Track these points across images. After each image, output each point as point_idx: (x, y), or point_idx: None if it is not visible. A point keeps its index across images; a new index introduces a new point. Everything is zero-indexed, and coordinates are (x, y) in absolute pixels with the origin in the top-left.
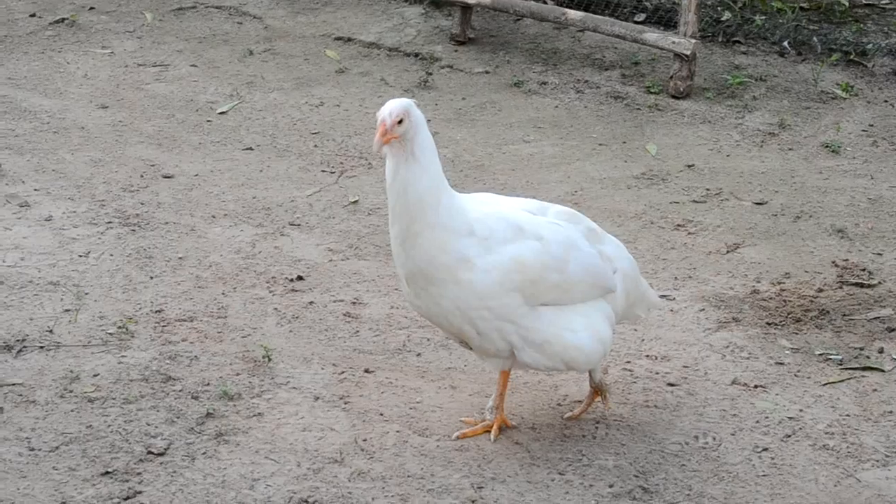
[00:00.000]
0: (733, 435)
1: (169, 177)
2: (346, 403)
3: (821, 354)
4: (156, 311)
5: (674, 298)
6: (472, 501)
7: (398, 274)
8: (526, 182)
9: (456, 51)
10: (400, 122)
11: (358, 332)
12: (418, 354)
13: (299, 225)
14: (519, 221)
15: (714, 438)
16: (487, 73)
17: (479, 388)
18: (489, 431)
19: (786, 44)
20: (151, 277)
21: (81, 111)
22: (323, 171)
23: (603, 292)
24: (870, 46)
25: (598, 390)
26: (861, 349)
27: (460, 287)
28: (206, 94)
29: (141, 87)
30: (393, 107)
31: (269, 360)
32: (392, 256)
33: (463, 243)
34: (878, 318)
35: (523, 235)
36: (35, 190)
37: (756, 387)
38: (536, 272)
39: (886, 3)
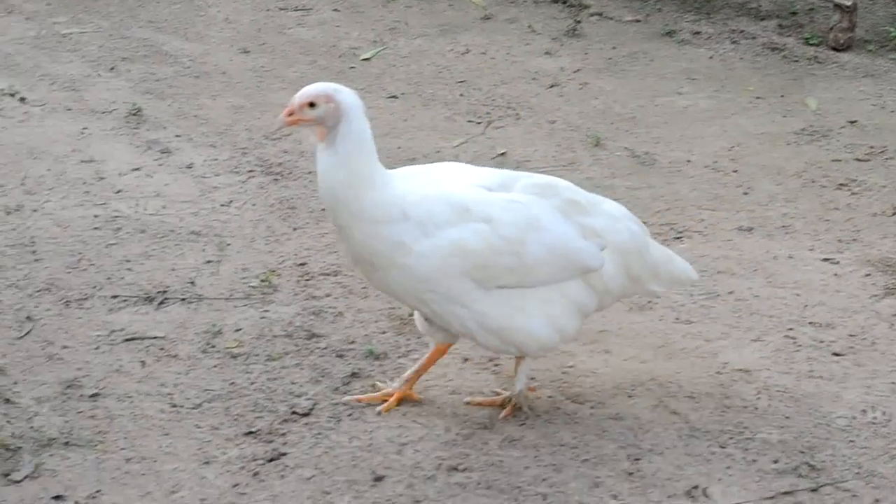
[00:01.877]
0: None
1: None
2: (495, 366)
3: None
4: (299, 265)
5: (837, 262)
6: (629, 474)
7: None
8: (679, 136)
9: None
10: (312, 105)
11: None
12: None
13: None
14: (465, 202)
15: (884, 413)
16: (638, 21)
17: (634, 353)
18: (385, 401)
19: None
20: (294, 229)
21: (223, 55)
22: (469, 120)
23: (579, 272)
24: None
25: (508, 400)
26: None
27: (401, 271)
28: (349, 39)
29: (283, 32)
30: (308, 89)
31: None
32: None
33: (396, 229)
34: None
35: (469, 217)
36: (176, 136)
37: None
38: (484, 257)
39: None
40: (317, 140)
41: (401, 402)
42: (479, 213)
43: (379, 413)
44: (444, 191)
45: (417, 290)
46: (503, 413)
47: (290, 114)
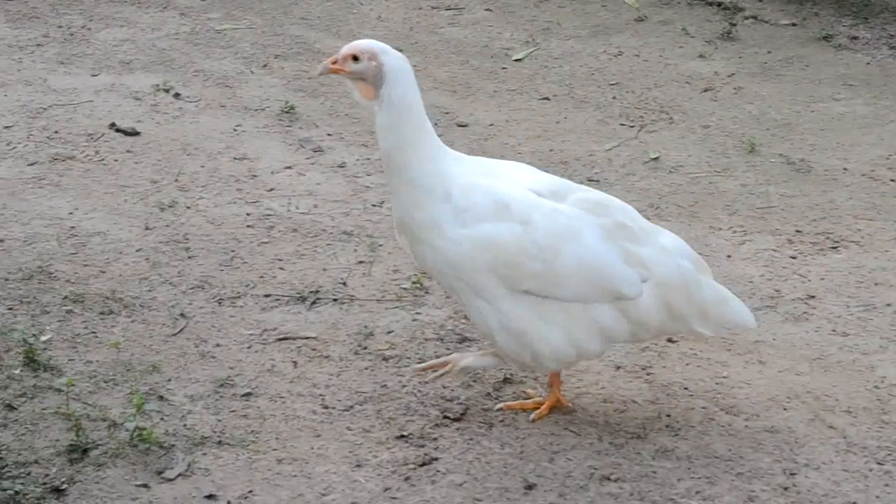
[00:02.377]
0: None
1: (463, 125)
2: (648, 375)
3: None
4: None
5: None
6: (784, 489)
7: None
8: (836, 143)
9: (761, 0)
10: (355, 59)
11: None
12: None
13: (598, 181)
14: (508, 200)
15: None
16: (794, 25)
17: (789, 365)
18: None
19: None
20: None
21: None
22: (622, 124)
23: (609, 296)
24: None
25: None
26: None
27: (435, 252)
28: (501, 39)
29: (435, 31)
30: (356, 42)
31: None
32: None
33: (437, 207)
34: None
35: (507, 216)
36: (328, 135)
37: None
38: (512, 257)
39: None
40: (363, 99)
41: (552, 409)
42: (519, 214)
43: (532, 421)
44: (491, 185)
45: (447, 275)
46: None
47: (335, 62)
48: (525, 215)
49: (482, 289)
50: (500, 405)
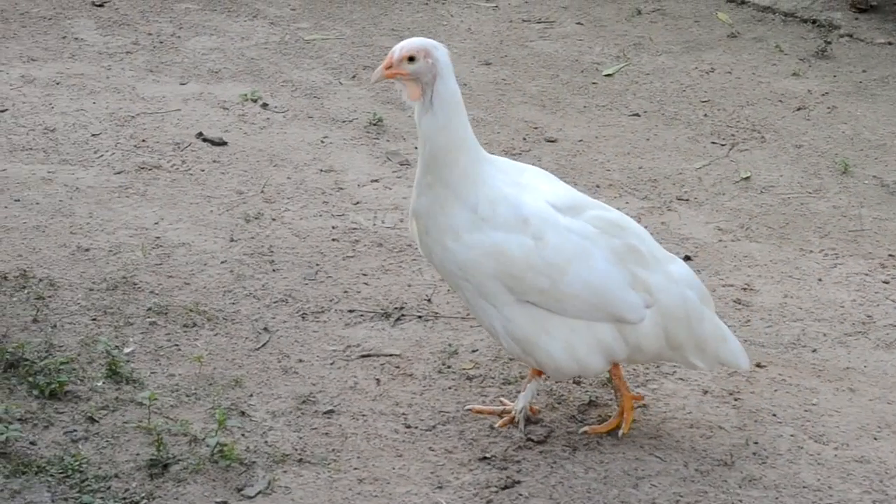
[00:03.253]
0: None
1: (552, 141)
2: (735, 400)
3: None
4: None
5: None
6: None
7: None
8: None
9: (857, 18)
10: (411, 59)
11: (749, 321)
12: (814, 350)
13: (687, 200)
14: (528, 214)
15: None
16: (890, 44)
17: (881, 393)
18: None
19: None
20: None
21: (464, 67)
22: (713, 142)
23: (610, 318)
24: None
25: (513, 416)
26: None
27: (445, 252)
28: (592, 54)
29: (525, 44)
30: (408, 42)
31: None
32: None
33: (461, 215)
34: None
35: (523, 229)
36: (415, 148)
37: None
38: (518, 269)
39: None
40: (411, 99)
41: (632, 412)
42: (534, 229)
43: (621, 436)
44: (517, 197)
45: (455, 274)
46: (499, 422)
47: (389, 66)
48: (539, 231)
49: (487, 293)
50: (585, 429)
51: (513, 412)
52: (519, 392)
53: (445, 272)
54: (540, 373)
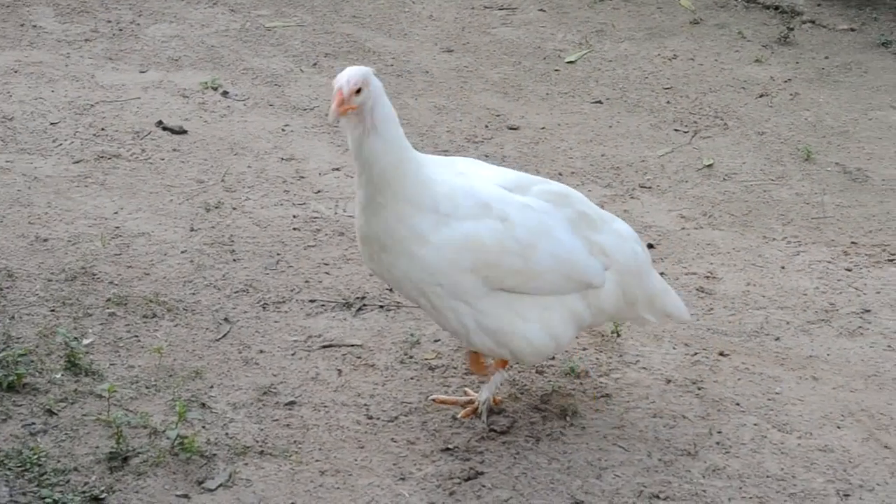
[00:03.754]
0: None
1: (514, 128)
2: (699, 389)
3: None
4: None
5: None
6: None
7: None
8: (894, 152)
9: (819, 4)
10: (358, 91)
11: (712, 309)
12: (777, 339)
13: (650, 188)
14: (487, 198)
15: None
16: (853, 30)
17: (844, 382)
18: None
19: None
20: None
21: (426, 54)
22: (676, 129)
23: (579, 286)
24: None
25: (476, 407)
26: None
27: (412, 261)
28: (554, 41)
29: (487, 31)
30: (351, 74)
31: (618, 335)
32: (356, 214)
33: (424, 219)
34: None
35: (487, 214)
36: None
37: None
38: (494, 255)
39: None
40: (352, 126)
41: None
42: (498, 212)
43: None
44: (471, 185)
45: (423, 281)
46: (461, 413)
47: (341, 103)
48: (503, 212)
49: (462, 291)
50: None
51: (476, 403)
52: (482, 383)
53: (409, 284)
54: (504, 363)
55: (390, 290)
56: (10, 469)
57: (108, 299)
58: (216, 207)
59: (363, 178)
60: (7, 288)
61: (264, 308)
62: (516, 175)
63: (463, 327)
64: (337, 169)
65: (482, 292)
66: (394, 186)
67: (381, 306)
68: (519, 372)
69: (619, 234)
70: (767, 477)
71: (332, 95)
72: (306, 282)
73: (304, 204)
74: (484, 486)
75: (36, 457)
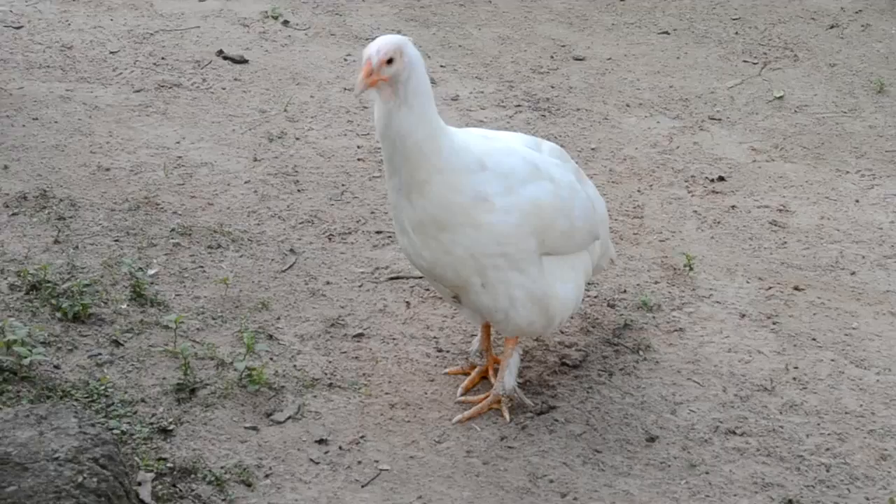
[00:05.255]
0: None
1: (580, 59)
2: (774, 324)
3: None
4: None
5: None
6: None
7: (398, 227)
8: None
9: None
10: (390, 61)
11: (785, 243)
12: (853, 273)
13: (720, 119)
14: (533, 159)
15: None
16: None
17: None
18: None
19: None
20: None
21: None
22: (744, 61)
23: (592, 240)
24: None
25: (500, 399)
26: None
27: (479, 231)
28: None
29: None
30: (382, 44)
31: (691, 269)
32: (391, 209)
33: (478, 179)
34: None
35: (539, 175)
36: (441, 66)
37: None
38: (550, 216)
39: None
40: (383, 100)
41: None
42: (546, 172)
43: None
44: (508, 145)
45: (487, 253)
46: (477, 410)
47: (370, 73)
48: (549, 173)
49: (522, 258)
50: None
51: (500, 395)
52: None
53: (470, 262)
54: (516, 341)
55: (420, 277)
56: (77, 400)
57: (172, 229)
58: (279, 137)
59: (396, 158)
60: (70, 217)
61: (330, 239)
62: (526, 136)
63: (510, 301)
64: None
65: (535, 258)
66: (432, 160)
67: None
68: (591, 305)
69: (593, 187)
70: (846, 413)
71: (360, 65)
72: (372, 213)
73: (368, 135)
74: (557, 421)
75: (103, 388)
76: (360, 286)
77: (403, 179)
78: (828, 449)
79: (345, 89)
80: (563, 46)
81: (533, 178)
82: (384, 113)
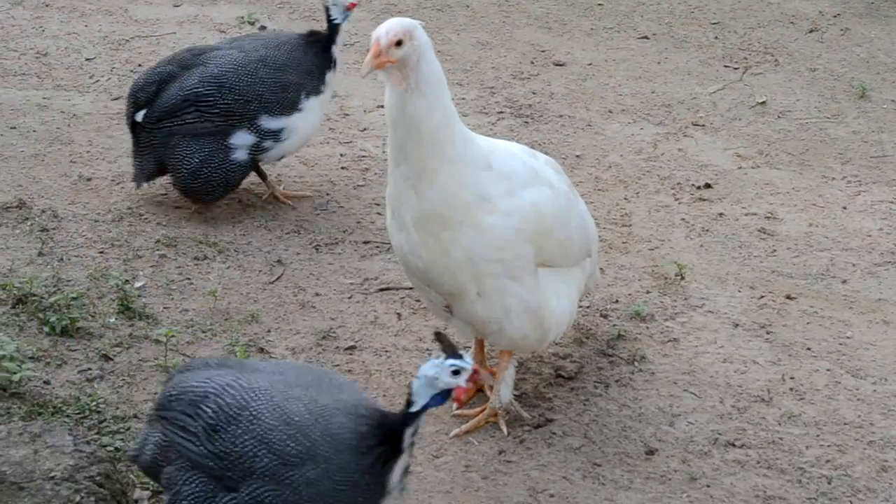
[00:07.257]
0: None
1: (561, 64)
2: (768, 333)
3: None
4: None
5: None
6: None
7: (397, 222)
8: None
9: None
10: (399, 43)
11: (775, 251)
12: (844, 281)
13: (703, 125)
14: (532, 164)
15: None
16: None
17: None
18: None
19: None
20: None
21: None
22: (725, 66)
23: (585, 255)
24: None
25: (496, 413)
26: None
27: (479, 233)
28: None
29: None
30: (392, 25)
31: (682, 278)
32: (392, 200)
33: (482, 178)
34: None
35: (539, 181)
36: None
37: None
38: (548, 223)
39: None
40: (393, 85)
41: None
42: (545, 178)
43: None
44: (509, 148)
45: (485, 258)
46: (474, 423)
47: (378, 55)
48: (548, 179)
49: (519, 266)
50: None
51: (496, 408)
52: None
53: (467, 266)
54: (510, 355)
55: (410, 288)
56: (68, 416)
57: (157, 240)
58: None
59: (409, 145)
60: (54, 229)
61: (317, 250)
62: (520, 145)
63: (505, 311)
64: (381, 106)
65: (531, 267)
66: (446, 148)
67: None
68: (584, 316)
69: (584, 204)
70: (845, 424)
71: (369, 46)
72: (358, 223)
73: (351, 142)
74: (555, 434)
75: (94, 403)
76: (349, 297)
77: (414, 167)
78: (828, 461)
79: None
80: (543, 52)
81: (533, 183)
82: (396, 99)
